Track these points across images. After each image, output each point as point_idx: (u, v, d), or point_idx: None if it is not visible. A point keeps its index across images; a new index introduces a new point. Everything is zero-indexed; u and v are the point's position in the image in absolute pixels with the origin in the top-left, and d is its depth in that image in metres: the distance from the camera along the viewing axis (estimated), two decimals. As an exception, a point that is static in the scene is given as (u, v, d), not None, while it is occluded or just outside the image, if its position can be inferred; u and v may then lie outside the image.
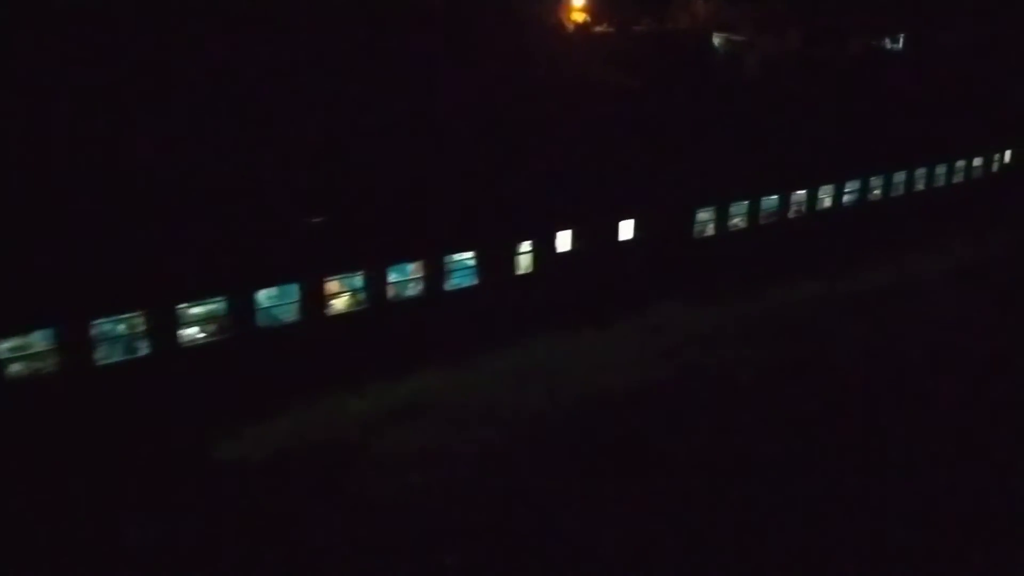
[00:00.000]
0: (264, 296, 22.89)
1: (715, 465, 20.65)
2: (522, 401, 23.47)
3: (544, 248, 28.65)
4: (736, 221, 34.03)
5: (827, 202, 36.92)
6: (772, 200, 35.07)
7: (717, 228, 33.53)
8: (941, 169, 40.34)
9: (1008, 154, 43.68)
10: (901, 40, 55.02)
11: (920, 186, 39.88)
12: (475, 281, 27.15)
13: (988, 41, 49.05)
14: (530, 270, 28.47)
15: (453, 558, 17.41)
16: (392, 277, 25.42)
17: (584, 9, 57.94)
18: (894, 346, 27.70)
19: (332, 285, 24.12)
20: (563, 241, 29.18)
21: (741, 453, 21.17)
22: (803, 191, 35.76)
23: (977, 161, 41.96)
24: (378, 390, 23.51)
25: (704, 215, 33.05)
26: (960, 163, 41.56)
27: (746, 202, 34.17)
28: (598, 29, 54.85)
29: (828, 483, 20.10)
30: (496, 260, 27.44)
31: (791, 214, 35.83)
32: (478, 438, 21.52)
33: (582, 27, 54.91)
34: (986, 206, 41.42)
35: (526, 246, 28.26)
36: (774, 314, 29.99)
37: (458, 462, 20.53)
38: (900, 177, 38.97)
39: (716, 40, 53.93)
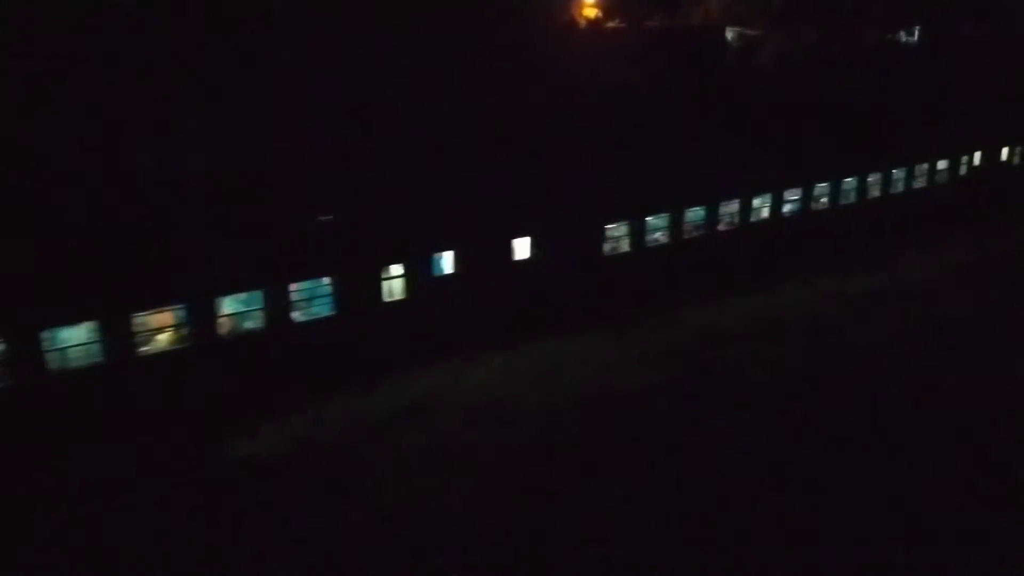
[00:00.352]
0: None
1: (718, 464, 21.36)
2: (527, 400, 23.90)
3: (419, 271, 25.94)
4: (657, 236, 32.00)
5: (765, 212, 35.18)
6: (699, 212, 33.00)
7: (634, 244, 31.06)
8: (900, 174, 38.68)
9: (978, 156, 41.40)
10: (916, 33, 52.74)
11: (876, 193, 38.25)
12: (332, 311, 24.38)
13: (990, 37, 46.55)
14: (402, 296, 25.81)
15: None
16: (226, 308, 22.87)
17: (596, 5, 57.92)
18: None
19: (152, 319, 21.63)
20: (444, 262, 26.65)
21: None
22: (734, 201, 33.92)
23: (942, 164, 39.96)
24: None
25: (618, 230, 31.01)
26: (922, 167, 39.55)
27: (667, 215, 31.84)
28: (610, 25, 54.70)
29: (829, 483, 20.65)
30: (359, 286, 24.72)
31: (723, 226, 34.05)
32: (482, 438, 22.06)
33: (594, 23, 54.86)
34: (944, 216, 39.61)
35: (396, 269, 25.67)
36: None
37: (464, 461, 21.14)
38: (851, 184, 37.38)
39: (729, 35, 53.04)
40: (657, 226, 31.51)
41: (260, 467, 20.71)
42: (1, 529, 18.56)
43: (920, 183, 39.60)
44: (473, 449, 21.53)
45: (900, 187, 38.86)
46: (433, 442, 21.77)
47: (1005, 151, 43.81)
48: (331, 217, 24.40)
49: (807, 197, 35.20)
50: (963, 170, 41.80)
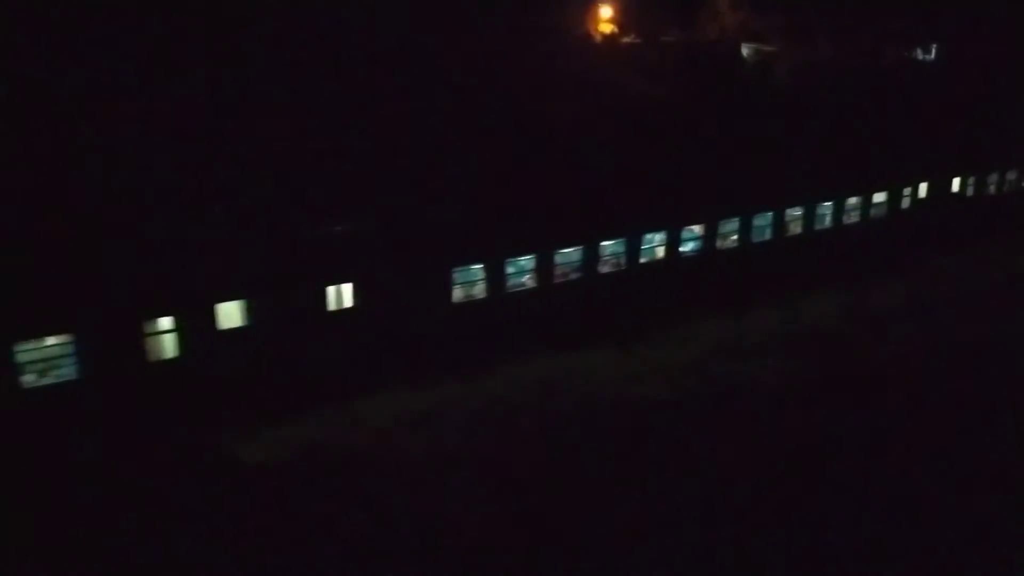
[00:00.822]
0: None
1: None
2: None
3: (198, 324, 21.76)
4: (526, 279, 28.36)
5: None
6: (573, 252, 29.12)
7: (491, 291, 27.22)
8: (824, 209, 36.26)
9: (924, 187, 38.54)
10: (933, 51, 49.80)
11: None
12: (78, 374, 20.25)
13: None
14: (174, 355, 21.63)
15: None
16: None
17: (612, 20, 57.52)
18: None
19: None
20: (231, 314, 22.46)
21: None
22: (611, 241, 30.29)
23: (879, 197, 37.32)
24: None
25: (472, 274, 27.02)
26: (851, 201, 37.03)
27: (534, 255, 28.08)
28: (625, 40, 54.15)
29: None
30: (115, 344, 20.62)
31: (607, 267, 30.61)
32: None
33: (609, 38, 54.44)
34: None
35: (165, 323, 21.43)
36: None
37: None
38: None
39: (745, 51, 51.75)
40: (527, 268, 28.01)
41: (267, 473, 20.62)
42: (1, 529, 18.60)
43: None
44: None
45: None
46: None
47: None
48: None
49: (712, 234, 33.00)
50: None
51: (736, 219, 32.94)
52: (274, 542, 18.28)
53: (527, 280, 28.18)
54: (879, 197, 37.58)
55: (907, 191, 38.54)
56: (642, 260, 30.58)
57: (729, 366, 27.43)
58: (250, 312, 22.51)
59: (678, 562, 18.26)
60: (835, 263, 35.53)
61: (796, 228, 35.29)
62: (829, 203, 35.82)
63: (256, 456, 21.19)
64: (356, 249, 23.98)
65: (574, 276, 28.96)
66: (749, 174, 33.87)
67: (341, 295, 24.27)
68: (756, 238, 33.71)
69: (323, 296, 23.65)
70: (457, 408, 23.96)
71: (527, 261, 27.92)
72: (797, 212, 34.87)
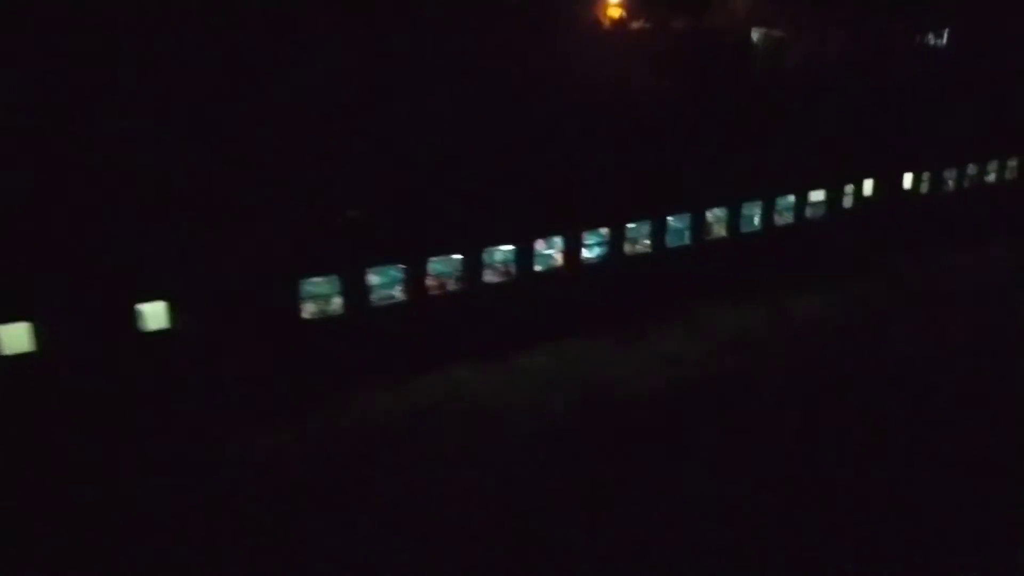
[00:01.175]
0: None
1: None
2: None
3: None
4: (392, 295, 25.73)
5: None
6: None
7: (348, 307, 23.99)
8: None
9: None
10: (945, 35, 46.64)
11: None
12: None
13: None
14: None
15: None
16: None
17: (620, 5, 55.83)
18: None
19: None
20: (13, 338, 19.64)
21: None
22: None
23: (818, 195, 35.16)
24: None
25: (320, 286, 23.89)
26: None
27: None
28: (634, 26, 52.48)
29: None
30: None
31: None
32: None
33: (618, 23, 52.81)
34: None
35: None
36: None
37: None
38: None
39: (755, 36, 49.63)
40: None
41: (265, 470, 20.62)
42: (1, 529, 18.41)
43: None
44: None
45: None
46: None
47: None
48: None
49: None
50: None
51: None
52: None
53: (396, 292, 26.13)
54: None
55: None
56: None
57: (730, 361, 27.05)
58: (36, 336, 19.63)
59: (678, 562, 18.00)
60: (850, 254, 35.79)
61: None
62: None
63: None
64: (174, 259, 20.88)
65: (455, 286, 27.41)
66: (769, 159, 34.02)
67: (164, 313, 21.36)
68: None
69: (132, 315, 20.80)
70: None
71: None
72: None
